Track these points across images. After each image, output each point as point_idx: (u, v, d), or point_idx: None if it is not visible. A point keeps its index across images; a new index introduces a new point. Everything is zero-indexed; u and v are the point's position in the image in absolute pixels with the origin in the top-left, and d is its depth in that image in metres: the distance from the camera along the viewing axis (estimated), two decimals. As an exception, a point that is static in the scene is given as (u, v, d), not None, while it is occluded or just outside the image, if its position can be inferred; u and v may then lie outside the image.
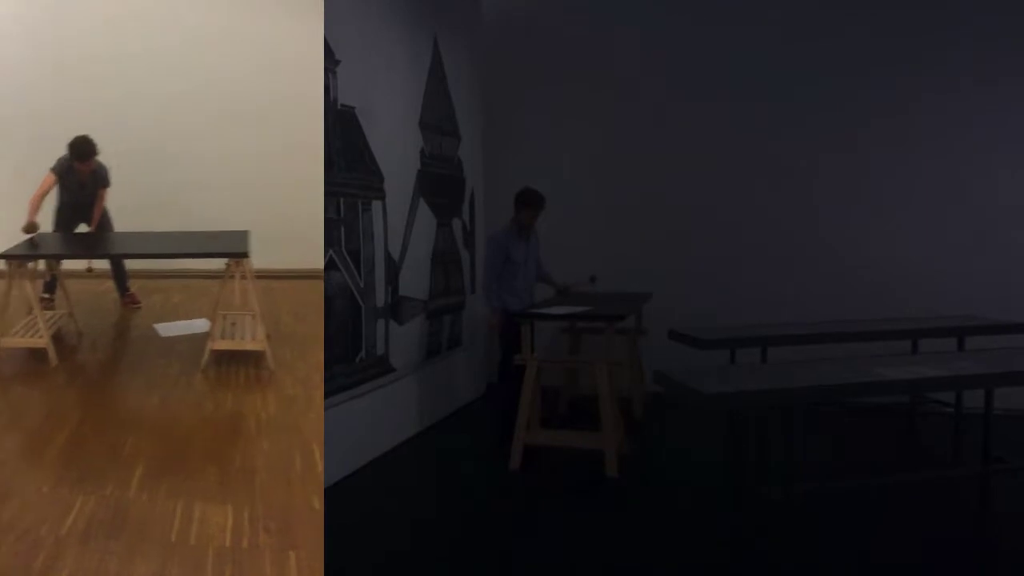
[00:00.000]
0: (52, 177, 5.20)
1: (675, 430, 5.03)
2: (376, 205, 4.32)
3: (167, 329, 5.26)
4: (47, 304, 5.51)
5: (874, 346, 4.25)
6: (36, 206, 5.08)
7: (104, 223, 5.61)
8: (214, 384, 4.18)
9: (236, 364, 4.47)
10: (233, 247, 4.42)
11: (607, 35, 5.99)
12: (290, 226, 5.70)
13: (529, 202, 4.58)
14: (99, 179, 5.45)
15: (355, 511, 3.51)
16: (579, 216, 5.91)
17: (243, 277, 4.38)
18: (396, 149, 4.57)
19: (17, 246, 4.56)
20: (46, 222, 5.34)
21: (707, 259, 5.80)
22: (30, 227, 4.89)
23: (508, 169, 5.94)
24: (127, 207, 5.75)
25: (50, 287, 5.61)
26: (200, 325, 5.23)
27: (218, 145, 6.36)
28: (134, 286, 6.01)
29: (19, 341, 4.58)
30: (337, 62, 3.90)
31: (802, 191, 5.68)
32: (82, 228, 5.56)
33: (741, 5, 5.72)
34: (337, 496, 3.59)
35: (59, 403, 3.88)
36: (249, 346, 4.50)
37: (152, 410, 3.79)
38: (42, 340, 4.51)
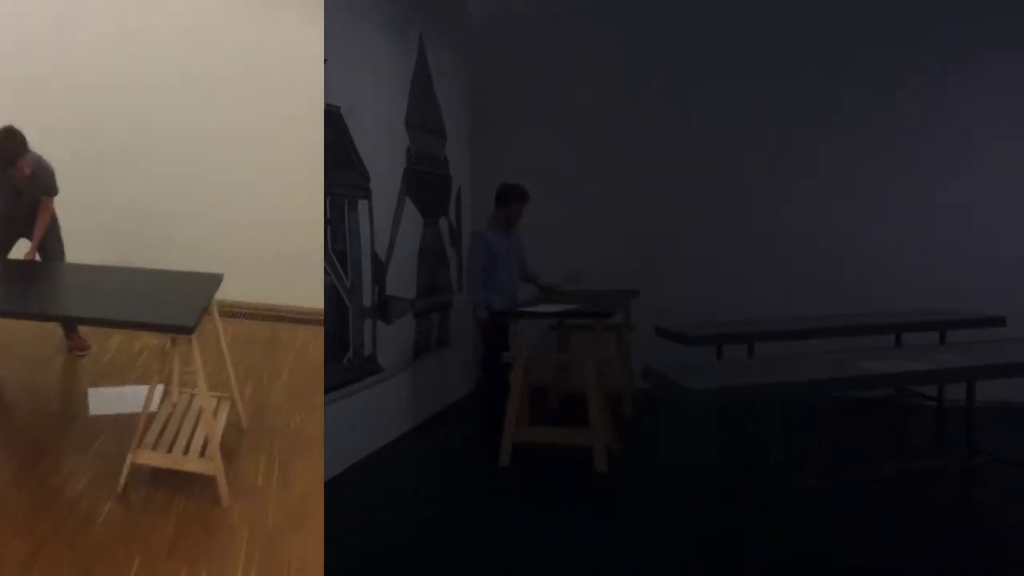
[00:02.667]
0: None
1: (663, 426, 5.05)
2: (362, 204, 4.31)
3: (99, 402, 3.82)
4: None
5: (859, 341, 4.29)
6: None
7: (50, 242, 4.33)
8: (129, 525, 2.76)
9: (176, 485, 3.11)
10: (179, 312, 3.00)
11: (594, 32, 6.01)
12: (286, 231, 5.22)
13: (514, 196, 4.59)
14: (40, 184, 4.14)
15: (347, 510, 3.51)
16: (566, 213, 5.92)
17: (188, 355, 3.05)
18: (382, 148, 4.57)
19: None
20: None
21: (695, 256, 5.83)
22: None
23: (494, 167, 5.94)
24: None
25: None
26: (141, 399, 3.50)
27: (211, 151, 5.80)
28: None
29: None
30: (323, 61, 3.90)
31: (789, 189, 5.72)
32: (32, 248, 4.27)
33: (736, 5, 5.75)
34: (328, 495, 3.58)
35: None
36: (191, 466, 3.08)
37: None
38: None
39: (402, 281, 4.83)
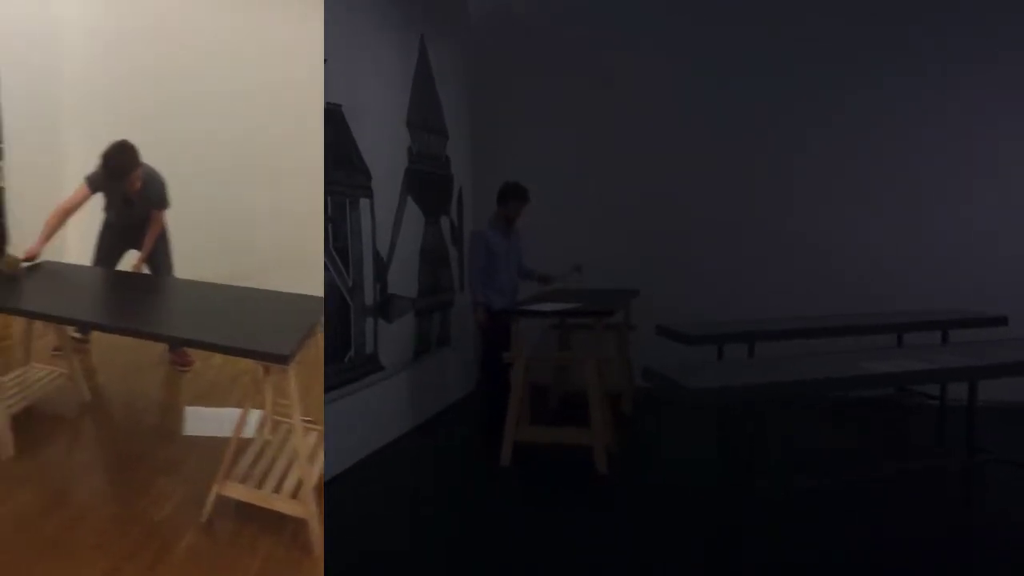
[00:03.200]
0: (85, 190, 4.02)
1: (664, 425, 5.05)
2: (364, 203, 4.32)
3: (195, 421, 3.74)
4: (78, 347, 4.41)
5: (860, 340, 4.29)
6: (53, 226, 3.86)
7: (159, 255, 4.38)
8: (209, 559, 2.64)
9: (264, 523, 2.89)
10: (277, 339, 2.78)
11: (594, 32, 6.01)
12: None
13: (514, 195, 4.60)
14: (151, 198, 4.21)
15: (347, 509, 3.52)
16: (567, 212, 5.92)
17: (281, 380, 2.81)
18: (384, 147, 4.57)
19: None
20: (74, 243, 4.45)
21: (695, 255, 5.83)
22: (27, 256, 3.63)
23: (495, 166, 5.94)
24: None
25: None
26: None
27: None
28: None
29: None
30: (324, 61, 3.90)
31: (790, 188, 5.71)
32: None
33: (736, 5, 5.74)
34: (328, 495, 3.59)
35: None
36: (280, 506, 2.85)
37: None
38: None
39: (403, 280, 4.83)
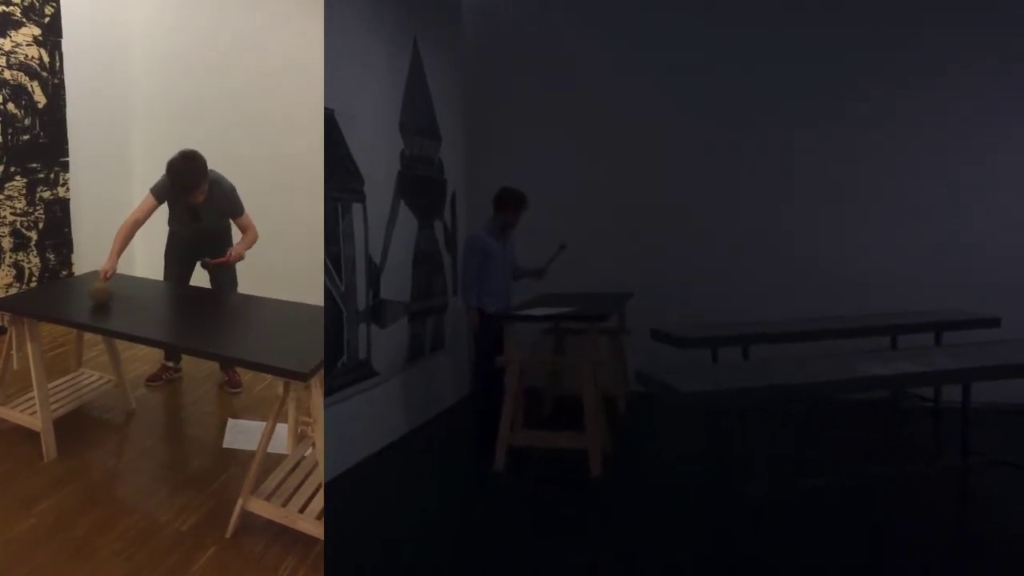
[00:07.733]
0: (152, 200, 3.97)
1: (658, 429, 5.04)
2: (356, 208, 4.30)
3: (236, 434, 3.73)
4: (169, 375, 4.47)
5: (854, 343, 4.29)
6: (123, 240, 3.86)
7: (224, 268, 4.22)
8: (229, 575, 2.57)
9: (290, 542, 2.86)
10: (300, 355, 2.78)
11: (590, 34, 6.01)
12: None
13: (514, 203, 4.58)
14: (218, 206, 4.07)
15: (342, 514, 3.50)
16: (561, 215, 5.90)
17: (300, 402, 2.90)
18: (376, 151, 4.56)
19: (37, 289, 3.79)
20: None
21: (690, 258, 5.82)
22: (104, 276, 3.67)
23: (489, 170, 5.94)
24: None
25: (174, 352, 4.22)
26: (282, 438, 3.44)
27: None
28: None
29: (11, 414, 3.55)
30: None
31: (785, 191, 5.71)
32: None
33: (735, 5, 5.74)
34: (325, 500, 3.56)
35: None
36: (303, 526, 2.81)
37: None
38: (36, 419, 3.41)
39: (397, 284, 4.81)
